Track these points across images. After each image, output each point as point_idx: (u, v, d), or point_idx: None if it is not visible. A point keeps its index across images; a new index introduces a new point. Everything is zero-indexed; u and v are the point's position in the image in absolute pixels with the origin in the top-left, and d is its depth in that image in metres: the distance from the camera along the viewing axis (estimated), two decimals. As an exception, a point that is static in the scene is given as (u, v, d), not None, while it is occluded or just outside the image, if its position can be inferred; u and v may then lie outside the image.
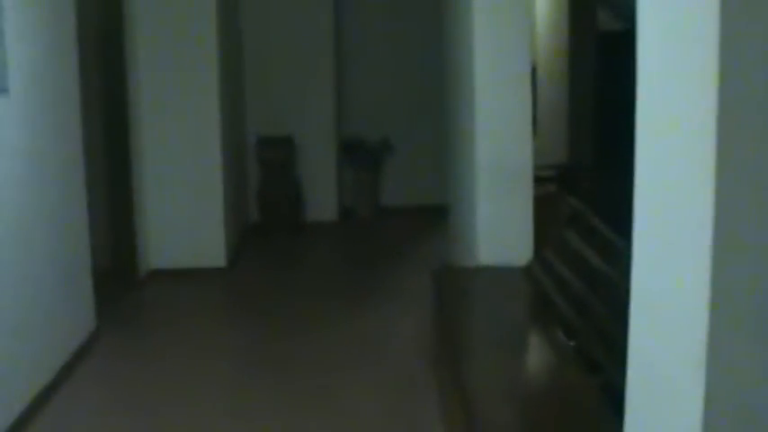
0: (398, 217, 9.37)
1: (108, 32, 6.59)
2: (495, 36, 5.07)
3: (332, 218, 9.06)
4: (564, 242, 5.14)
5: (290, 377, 5.17)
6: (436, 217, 9.32)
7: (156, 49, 7.00)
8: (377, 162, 9.32)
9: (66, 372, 5.04)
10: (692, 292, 1.84)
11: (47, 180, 4.95)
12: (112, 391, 5.04)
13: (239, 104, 8.37)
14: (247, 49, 8.70)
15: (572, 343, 4.07)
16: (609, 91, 6.52)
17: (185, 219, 7.21)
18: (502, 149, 5.17)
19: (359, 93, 9.38)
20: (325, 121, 8.92)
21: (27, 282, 4.61)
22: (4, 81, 4.30)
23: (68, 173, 5.35)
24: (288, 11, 8.76)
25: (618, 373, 2.73)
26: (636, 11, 2.20)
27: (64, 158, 5.28)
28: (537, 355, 4.47)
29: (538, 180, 5.48)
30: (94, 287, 5.69)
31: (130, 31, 6.77)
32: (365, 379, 5.13)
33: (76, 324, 5.40)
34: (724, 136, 1.73)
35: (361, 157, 9.24)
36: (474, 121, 5.16)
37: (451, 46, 6.23)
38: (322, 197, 8.97)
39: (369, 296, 6.72)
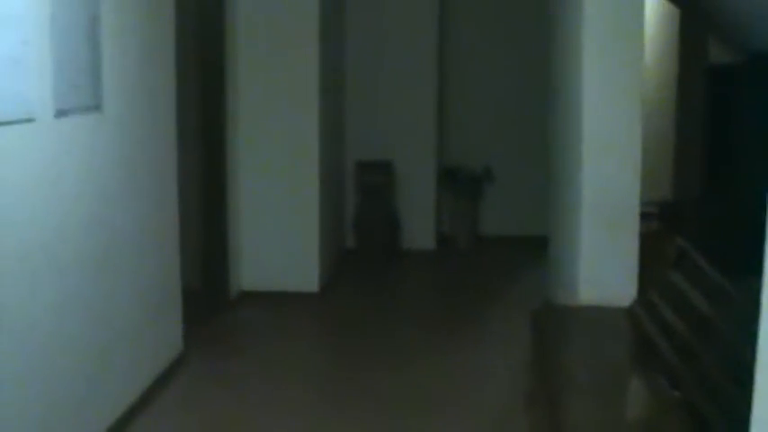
0: (497, 247, 9.14)
1: (207, 47, 6.54)
2: (604, 69, 4.85)
3: (429, 246, 8.87)
4: (669, 283, 4.87)
5: (378, 413, 4.97)
6: (536, 248, 9.05)
7: (257, 67, 6.94)
8: (477, 190, 9.12)
9: (151, 395, 4.94)
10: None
11: (140, 200, 4.87)
12: (194, 417, 4.92)
13: (339, 127, 8.26)
14: (349, 71, 8.60)
15: (676, 393, 3.80)
16: (719, 125, 6.24)
17: (279, 241, 7.11)
18: (608, 184, 4.93)
19: (460, 119, 9.21)
20: (425, 146, 8.76)
21: (116, 300, 4.53)
22: (98, 97, 4.23)
23: (162, 192, 5.28)
24: (391, 35, 8.64)
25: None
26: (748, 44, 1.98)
27: (158, 177, 5.20)
28: (637, 403, 4.21)
29: (641, 216, 5.22)
30: (183, 308, 5.61)
31: (231, 52, 6.72)
32: (455, 419, 4.92)
33: (163, 346, 5.31)
34: None
35: (461, 184, 9.04)
36: (580, 154, 4.93)
37: (558, 76, 6.01)
38: (419, 224, 8.80)
39: (464, 330, 6.50)
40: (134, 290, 4.80)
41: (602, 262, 5.00)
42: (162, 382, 5.13)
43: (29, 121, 3.57)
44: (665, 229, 5.50)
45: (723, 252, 4.40)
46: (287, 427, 4.77)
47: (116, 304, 4.54)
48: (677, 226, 5.44)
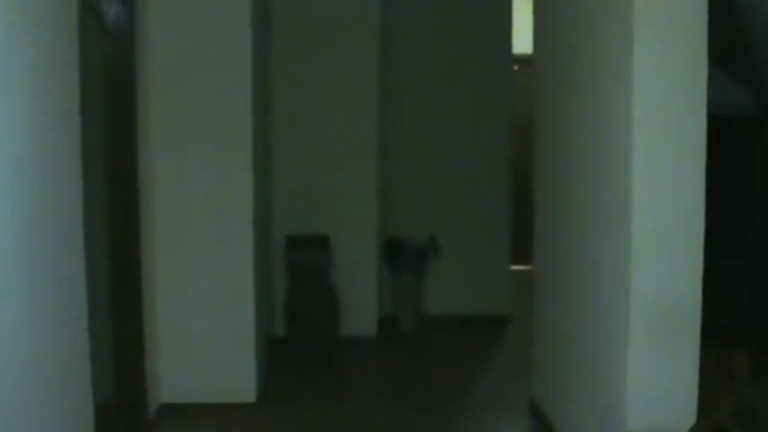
0: (445, 329, 7.98)
1: (114, 90, 5.24)
2: (662, 132, 3.75)
3: (370, 331, 7.62)
4: (742, 403, 3.78)
5: None
6: (491, 330, 7.99)
7: (173, 123, 5.67)
8: (422, 263, 7.95)
9: None
10: None
11: (37, 292, 3.55)
12: None
13: (266, 195, 6.97)
14: (276, 129, 7.35)
15: None
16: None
17: (206, 338, 5.79)
18: (665, 280, 3.82)
19: (400, 183, 8.05)
20: (365, 217, 7.54)
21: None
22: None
23: (66, 285, 3.96)
24: (325, 83, 7.43)
25: None
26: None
27: (60, 263, 3.88)
28: None
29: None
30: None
31: (143, 106, 5.43)
32: None
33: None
34: None
35: (405, 257, 7.87)
36: (627, 245, 3.79)
37: (573, 135, 4.90)
38: (360, 307, 7.55)
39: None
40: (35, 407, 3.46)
41: (657, 380, 3.88)
42: None
43: None
44: (731, 337, 4.37)
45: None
46: None
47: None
48: (750, 334, 4.32)
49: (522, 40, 9.74)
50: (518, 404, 5.98)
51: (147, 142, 5.47)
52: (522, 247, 10.67)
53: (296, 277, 7.19)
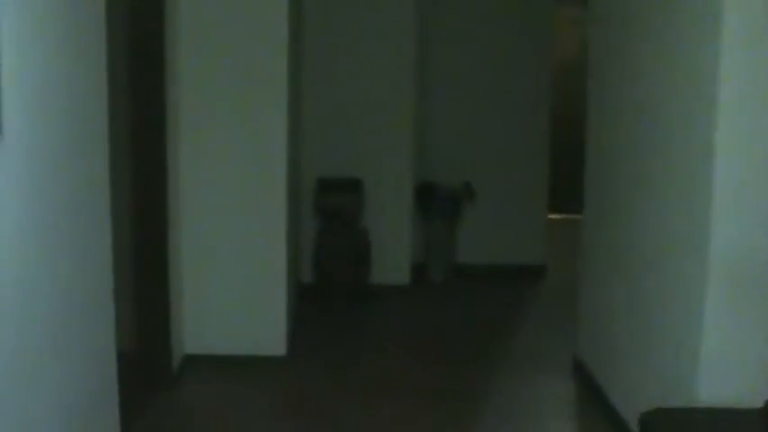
0: (479, 280, 7.66)
1: (142, 44, 4.87)
2: (751, 85, 3.37)
3: (402, 280, 7.30)
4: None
5: None
6: (525, 281, 7.68)
7: (203, 61, 5.30)
8: (456, 210, 7.61)
9: None
10: None
11: (58, 247, 3.23)
12: None
13: (298, 137, 6.61)
14: (309, 68, 6.97)
15: None
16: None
17: (235, 288, 5.47)
18: (750, 240, 3.46)
19: (437, 127, 7.68)
20: (400, 161, 7.19)
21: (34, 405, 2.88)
22: None
23: (90, 225, 3.64)
24: (361, 28, 7.05)
25: None
26: None
27: (83, 218, 3.56)
28: None
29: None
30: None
31: (171, 43, 5.07)
32: None
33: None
34: None
35: (438, 203, 7.52)
36: (710, 197, 3.43)
37: (632, 70, 4.52)
38: (392, 255, 7.22)
39: (457, 402, 5.01)
40: (57, 392, 3.16)
41: (734, 349, 3.54)
42: None
43: None
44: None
45: None
46: None
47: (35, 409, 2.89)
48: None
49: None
50: (560, 361, 5.67)
51: (174, 83, 5.11)
52: (560, 196, 10.35)
53: (326, 222, 6.86)
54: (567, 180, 10.84)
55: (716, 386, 3.56)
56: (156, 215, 4.99)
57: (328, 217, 6.82)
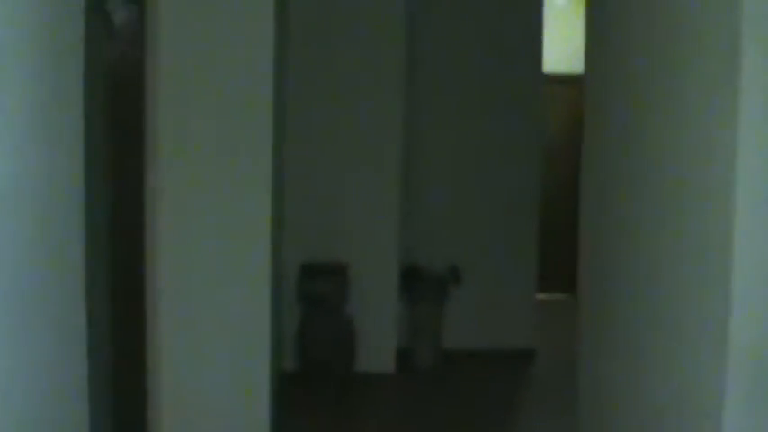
0: (467, 366, 7.43)
1: (121, 98, 4.68)
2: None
3: (388, 368, 7.06)
4: None
5: None
6: (516, 366, 7.46)
7: (184, 141, 5.08)
8: (443, 294, 7.40)
9: None
10: None
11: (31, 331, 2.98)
12: None
13: (279, 221, 6.40)
14: (290, 146, 6.80)
15: None
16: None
17: (216, 379, 5.20)
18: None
19: (424, 211, 7.52)
20: (386, 243, 7.01)
21: None
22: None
23: (63, 317, 3.39)
24: (348, 99, 6.91)
25: None
26: None
27: (55, 299, 3.32)
28: None
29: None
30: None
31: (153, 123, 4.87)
32: None
33: None
34: None
35: (424, 287, 7.31)
36: (729, 282, 3.23)
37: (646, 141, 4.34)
38: (377, 341, 6.99)
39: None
40: None
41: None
42: None
43: None
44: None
45: None
46: None
47: None
48: None
49: (552, 57, 9.34)
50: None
51: (155, 153, 4.90)
52: (549, 275, 10.17)
53: (310, 308, 6.63)
54: (557, 259, 10.71)
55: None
56: (132, 303, 4.76)
57: (312, 303, 6.59)
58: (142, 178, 4.73)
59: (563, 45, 9.59)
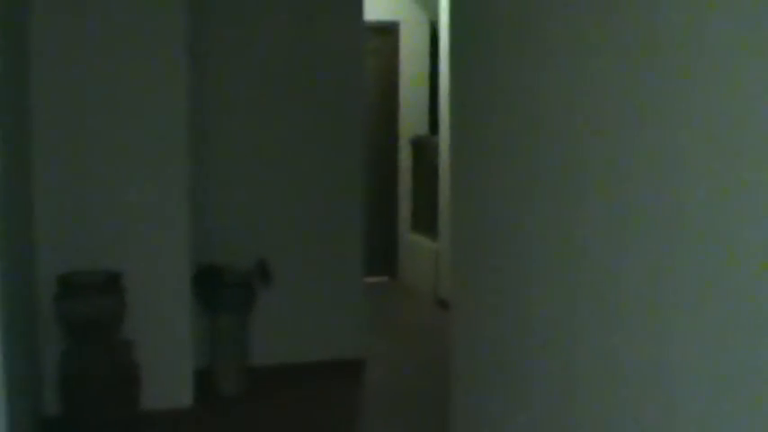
0: (282, 387, 6.00)
1: None
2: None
3: (181, 402, 5.51)
4: None
5: None
6: (343, 380, 6.08)
7: None
8: (249, 297, 5.91)
9: None
10: None
11: None
12: None
13: (24, 222, 4.73)
14: (39, 128, 5.12)
15: None
16: None
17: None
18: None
19: (220, 199, 6.00)
20: (172, 243, 5.42)
21: None
22: None
23: None
24: (121, 65, 5.26)
25: None
26: None
27: None
28: None
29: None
30: None
31: None
32: None
33: None
34: None
35: (223, 294, 5.81)
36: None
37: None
38: (166, 371, 5.43)
39: None
40: None
41: None
42: None
43: None
44: None
45: None
46: None
47: None
48: None
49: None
50: None
51: None
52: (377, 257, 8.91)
53: (73, 335, 5.01)
54: (386, 236, 9.42)
55: None
56: None
57: (76, 328, 4.97)
58: None
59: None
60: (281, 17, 5.99)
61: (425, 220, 9.04)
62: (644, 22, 2.42)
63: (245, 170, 6.01)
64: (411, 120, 9.46)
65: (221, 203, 5.97)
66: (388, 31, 9.33)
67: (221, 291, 5.82)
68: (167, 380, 5.40)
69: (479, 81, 3.75)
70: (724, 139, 2.08)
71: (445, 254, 8.00)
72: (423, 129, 9.44)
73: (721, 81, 2.09)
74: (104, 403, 5.03)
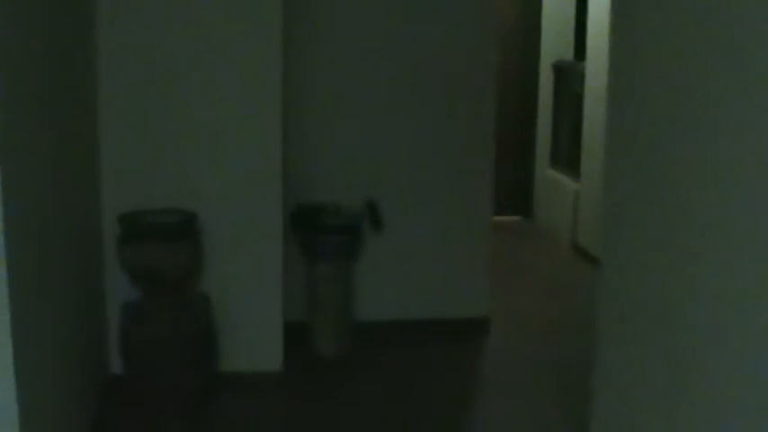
0: (391, 348, 5.18)
1: None
2: None
3: (270, 366, 4.69)
4: None
5: None
6: (465, 343, 5.25)
7: None
8: (354, 242, 5.08)
9: None
10: None
11: None
12: None
13: (85, 163, 3.95)
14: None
15: None
16: None
17: None
18: None
19: (327, 134, 5.15)
20: (261, 174, 4.54)
21: None
22: None
23: None
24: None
25: None
26: None
27: None
28: None
29: None
30: None
31: None
32: None
33: None
34: None
35: (324, 239, 4.98)
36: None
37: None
38: (251, 330, 4.62)
39: None
40: None
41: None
42: None
43: None
44: None
45: None
46: None
47: None
48: None
49: None
50: None
51: None
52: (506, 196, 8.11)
53: (140, 286, 4.25)
54: (519, 177, 8.51)
55: None
56: None
57: (141, 278, 4.20)
58: None
59: None
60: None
61: (566, 155, 8.07)
62: None
63: (353, 100, 5.14)
64: (554, 42, 8.38)
65: (328, 138, 5.12)
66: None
67: (322, 235, 4.99)
68: (252, 339, 4.59)
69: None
70: None
71: (587, 195, 7.06)
72: (567, 53, 8.34)
73: None
74: (176, 367, 4.27)
